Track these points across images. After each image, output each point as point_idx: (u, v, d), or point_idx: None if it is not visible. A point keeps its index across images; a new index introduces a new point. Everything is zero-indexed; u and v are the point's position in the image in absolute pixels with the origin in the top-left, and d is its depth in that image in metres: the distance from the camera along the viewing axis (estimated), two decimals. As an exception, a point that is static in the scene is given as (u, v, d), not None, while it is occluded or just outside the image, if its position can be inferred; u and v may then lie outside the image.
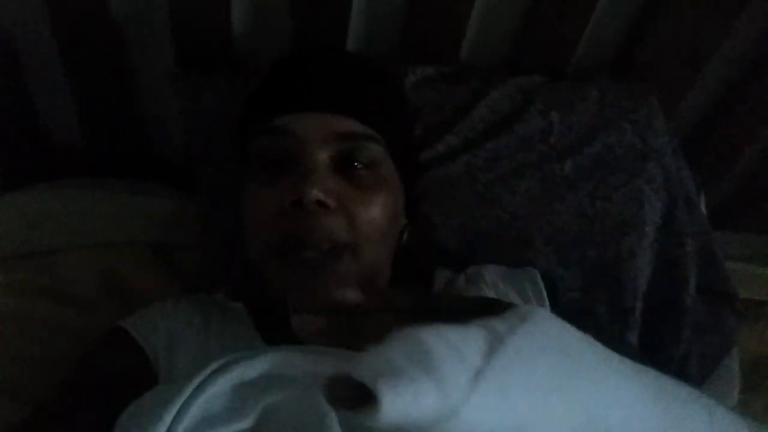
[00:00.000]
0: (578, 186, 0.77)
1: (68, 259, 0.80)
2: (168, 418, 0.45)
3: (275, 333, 0.61)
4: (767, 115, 0.93)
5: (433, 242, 0.75)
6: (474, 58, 0.89)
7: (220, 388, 0.48)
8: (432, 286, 0.68)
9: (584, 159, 0.78)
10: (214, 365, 0.49)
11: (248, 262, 0.63)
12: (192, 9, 0.80)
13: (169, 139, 0.96)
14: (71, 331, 0.74)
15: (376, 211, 0.59)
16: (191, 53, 0.84)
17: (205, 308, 0.66)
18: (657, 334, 0.75)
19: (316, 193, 0.55)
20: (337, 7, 0.82)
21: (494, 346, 0.32)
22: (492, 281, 0.65)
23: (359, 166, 0.59)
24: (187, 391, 0.47)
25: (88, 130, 0.93)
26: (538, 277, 0.67)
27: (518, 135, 0.79)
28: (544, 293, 0.65)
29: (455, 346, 0.31)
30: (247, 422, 0.48)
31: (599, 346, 0.39)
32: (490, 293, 0.64)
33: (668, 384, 0.42)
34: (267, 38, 0.86)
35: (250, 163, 0.62)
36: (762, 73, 0.90)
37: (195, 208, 0.84)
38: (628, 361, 0.41)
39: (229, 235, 0.76)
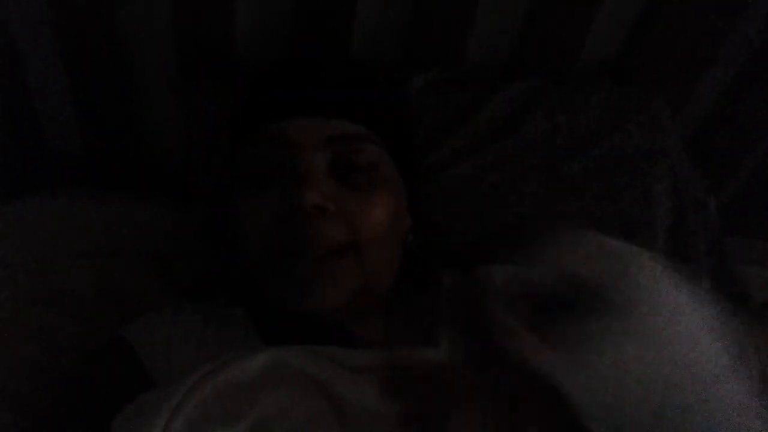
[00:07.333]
0: (585, 187, 0.76)
1: (66, 269, 0.78)
2: (160, 425, 0.44)
3: (277, 336, 0.59)
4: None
5: (439, 245, 0.74)
6: (478, 60, 0.88)
7: (212, 391, 0.46)
8: (440, 288, 0.66)
9: (591, 160, 0.77)
10: (205, 368, 0.47)
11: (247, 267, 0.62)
12: (196, 16, 0.80)
13: (168, 148, 0.95)
14: (69, 341, 0.72)
15: (377, 212, 0.58)
16: (194, 60, 0.84)
17: (203, 315, 0.64)
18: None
19: (314, 197, 0.54)
20: (342, 13, 0.82)
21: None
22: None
23: (357, 169, 0.59)
24: (178, 396, 0.45)
25: (88, 138, 0.92)
26: None
27: (524, 137, 0.78)
28: None
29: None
30: (242, 426, 0.46)
31: None
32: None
33: None
34: (270, 44, 0.85)
35: (239, 171, 0.61)
36: (765, 73, 0.89)
37: (192, 216, 0.83)
38: None
39: (228, 241, 0.75)
